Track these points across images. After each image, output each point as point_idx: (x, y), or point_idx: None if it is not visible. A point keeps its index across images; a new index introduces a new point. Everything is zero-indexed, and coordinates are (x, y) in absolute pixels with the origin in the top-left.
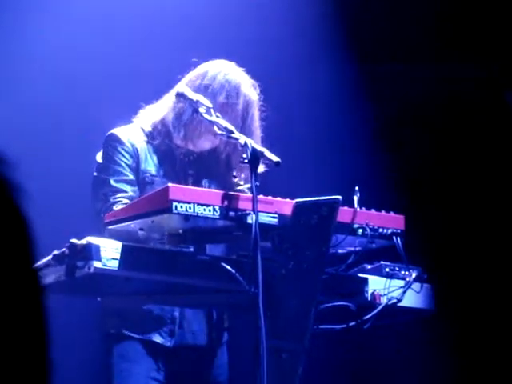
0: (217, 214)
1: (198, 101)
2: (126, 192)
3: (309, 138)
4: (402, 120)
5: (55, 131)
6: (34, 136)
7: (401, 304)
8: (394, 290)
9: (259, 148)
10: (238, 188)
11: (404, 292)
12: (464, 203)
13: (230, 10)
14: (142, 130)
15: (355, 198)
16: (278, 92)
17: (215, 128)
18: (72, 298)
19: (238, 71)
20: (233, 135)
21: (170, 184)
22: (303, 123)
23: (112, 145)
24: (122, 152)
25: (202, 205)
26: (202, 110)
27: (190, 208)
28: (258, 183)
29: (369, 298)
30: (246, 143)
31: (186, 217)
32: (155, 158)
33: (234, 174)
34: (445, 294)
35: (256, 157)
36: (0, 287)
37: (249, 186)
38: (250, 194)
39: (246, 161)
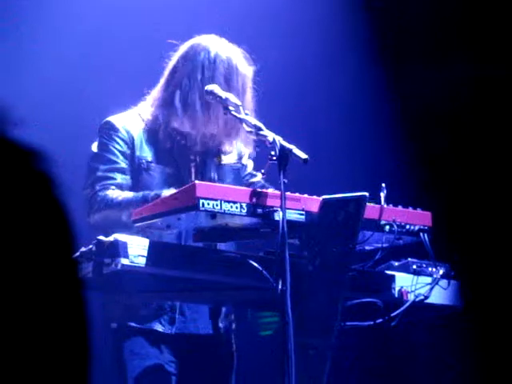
0: (244, 211)
1: (227, 98)
2: (114, 179)
3: (336, 135)
4: (431, 117)
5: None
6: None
7: (428, 301)
8: (422, 287)
9: (287, 145)
10: (251, 180)
11: (431, 289)
12: (491, 200)
13: (252, 5)
14: (139, 115)
15: (382, 195)
16: (304, 90)
17: (244, 125)
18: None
19: (228, 47)
20: (261, 132)
21: (196, 181)
22: (330, 121)
23: (107, 133)
24: (117, 139)
25: (229, 202)
26: (231, 107)
27: (217, 205)
28: (285, 180)
29: (396, 295)
30: (274, 140)
31: (213, 214)
32: (152, 144)
33: (263, 171)
34: (472, 291)
35: (284, 154)
36: (43, 279)
37: (258, 177)
38: (272, 190)
39: (275, 158)
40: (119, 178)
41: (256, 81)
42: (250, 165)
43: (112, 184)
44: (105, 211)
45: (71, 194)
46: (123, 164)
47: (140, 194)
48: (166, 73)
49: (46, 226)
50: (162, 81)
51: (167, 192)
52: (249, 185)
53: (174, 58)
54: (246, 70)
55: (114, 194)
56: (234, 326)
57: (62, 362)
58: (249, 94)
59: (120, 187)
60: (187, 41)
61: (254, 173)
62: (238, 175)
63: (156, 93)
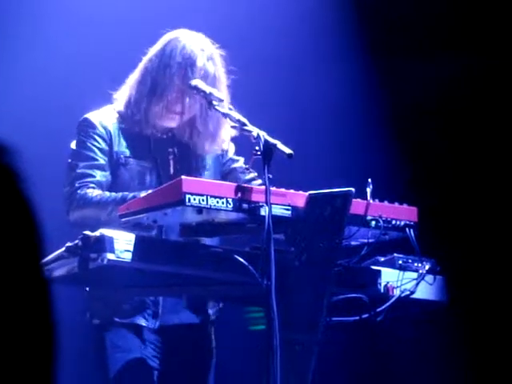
0: (230, 207)
1: (211, 93)
2: (93, 177)
3: (322, 129)
4: (416, 112)
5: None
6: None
7: (414, 296)
8: (407, 282)
9: (272, 140)
10: (234, 165)
11: (417, 284)
12: (478, 195)
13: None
14: (115, 110)
15: (368, 190)
16: (291, 84)
17: (228, 120)
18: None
19: (196, 41)
20: (246, 127)
21: (183, 177)
22: (316, 115)
23: (84, 130)
24: (95, 136)
25: (215, 197)
26: (215, 102)
27: (203, 200)
28: (270, 175)
29: (382, 290)
30: (258, 135)
31: (200, 209)
32: (129, 139)
33: (247, 166)
34: (458, 287)
35: (269, 149)
36: (5, 278)
37: (240, 162)
38: (262, 186)
39: (259, 153)
40: (98, 175)
41: (230, 70)
42: (230, 150)
43: (91, 182)
44: (83, 210)
45: (51, 190)
46: (102, 161)
47: (119, 194)
48: (139, 67)
49: (8, 221)
50: (135, 75)
51: (145, 194)
52: (230, 170)
53: (148, 53)
54: (217, 59)
55: (93, 192)
56: (214, 317)
57: (25, 362)
58: (223, 85)
59: (100, 185)
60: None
61: (236, 158)
62: (218, 162)
63: (129, 87)
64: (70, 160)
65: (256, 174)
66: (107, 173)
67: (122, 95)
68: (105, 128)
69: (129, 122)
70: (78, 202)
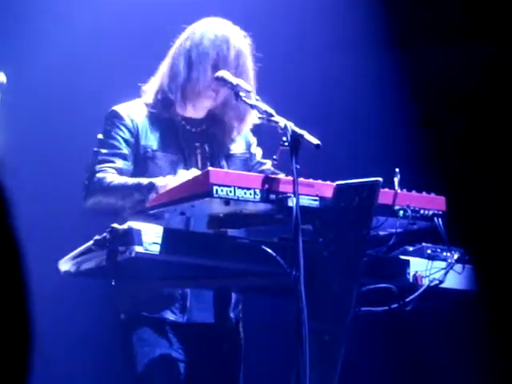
0: (257, 198)
1: (238, 84)
2: (113, 163)
3: (349, 120)
4: (445, 100)
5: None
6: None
7: (443, 285)
8: (436, 272)
9: (299, 131)
10: (261, 168)
11: (446, 273)
12: (505, 183)
13: None
14: (145, 104)
15: (396, 180)
16: (316, 74)
17: (255, 112)
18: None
19: (226, 25)
20: (273, 118)
21: (210, 168)
22: (343, 105)
23: (111, 120)
24: (121, 127)
25: (243, 188)
26: (242, 94)
27: (230, 192)
28: (298, 166)
29: (411, 280)
30: (286, 126)
31: (227, 200)
32: (157, 132)
33: (275, 157)
34: (487, 276)
35: (296, 139)
36: None
37: (267, 165)
38: (288, 177)
39: (287, 144)
40: (120, 162)
41: (258, 60)
42: (258, 153)
43: (111, 167)
44: (100, 194)
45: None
46: (125, 150)
47: (136, 180)
48: (171, 57)
49: None
50: (166, 62)
51: (161, 181)
52: (259, 173)
53: (178, 43)
54: (245, 48)
55: (111, 177)
56: (241, 315)
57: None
58: (243, 70)
59: (120, 171)
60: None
61: (263, 161)
62: (246, 165)
63: (156, 79)
64: (94, 148)
65: (284, 175)
66: (129, 162)
67: (153, 85)
68: (132, 120)
69: (159, 109)
70: (94, 185)
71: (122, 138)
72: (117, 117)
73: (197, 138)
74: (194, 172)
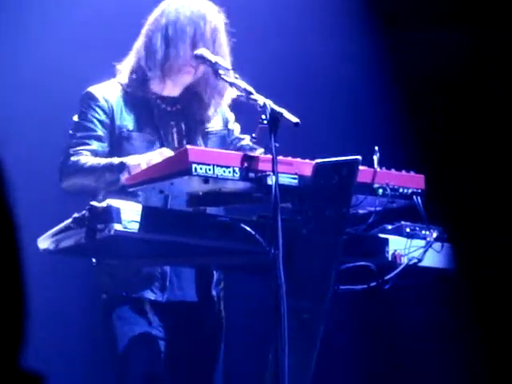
0: (236, 176)
1: (216, 62)
2: (89, 145)
3: (328, 98)
4: (425, 80)
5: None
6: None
7: (421, 264)
8: (415, 250)
9: (278, 109)
10: (240, 144)
11: (425, 252)
12: (483, 164)
13: None
14: (120, 84)
15: (375, 158)
16: (297, 52)
17: (234, 89)
18: (68, 260)
19: (200, 0)
20: (252, 96)
21: (188, 146)
22: (323, 84)
23: (86, 102)
24: (96, 108)
25: (222, 166)
26: (221, 71)
27: (209, 170)
28: (277, 144)
29: (389, 258)
30: (264, 104)
31: (206, 179)
32: (132, 112)
33: (254, 135)
34: (465, 254)
35: (275, 118)
36: None
37: (245, 140)
38: (262, 151)
39: (266, 122)
40: (95, 144)
41: (233, 35)
42: (236, 129)
43: (86, 150)
44: (74, 176)
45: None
46: (100, 132)
47: (108, 160)
48: (140, 37)
49: None
50: (136, 45)
51: (132, 160)
52: (238, 149)
53: (152, 20)
54: (221, 24)
55: (85, 159)
56: (222, 293)
57: None
58: (220, 46)
59: (95, 153)
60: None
61: (242, 136)
62: (224, 141)
63: (131, 58)
64: (69, 131)
65: (263, 149)
66: (105, 144)
67: (127, 64)
68: (107, 101)
69: (134, 88)
70: (68, 168)
71: (98, 119)
72: (92, 98)
73: (172, 117)
74: (165, 151)
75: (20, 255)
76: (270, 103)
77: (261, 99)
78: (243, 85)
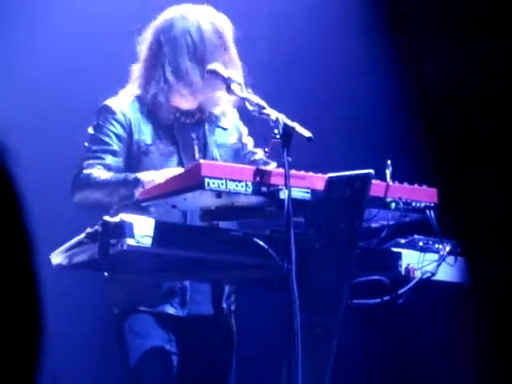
0: (249, 190)
1: (229, 77)
2: (102, 159)
3: (341, 112)
4: (439, 93)
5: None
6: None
7: (435, 278)
8: (428, 264)
9: (291, 123)
10: (253, 158)
11: (438, 265)
12: (498, 176)
13: None
14: (136, 96)
15: (388, 172)
16: (310, 67)
17: (247, 104)
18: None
19: (211, 13)
20: (264, 111)
21: (201, 160)
22: (336, 97)
23: (103, 115)
24: (113, 122)
25: (235, 181)
26: (233, 86)
27: (222, 184)
28: (289, 158)
29: (403, 272)
30: (277, 119)
31: (219, 193)
32: (150, 125)
33: (267, 149)
34: (479, 268)
35: (288, 132)
36: None
37: (259, 154)
38: (275, 166)
39: (278, 136)
40: (109, 159)
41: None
42: (249, 143)
43: (99, 164)
44: (86, 190)
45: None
46: (116, 146)
47: (122, 175)
48: (147, 48)
49: None
50: (146, 57)
51: (147, 176)
52: (251, 163)
53: (151, 32)
54: (231, 37)
55: (98, 173)
56: (233, 307)
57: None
58: (235, 58)
59: (108, 168)
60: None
61: (255, 150)
62: (238, 155)
63: (143, 71)
64: (84, 143)
65: (276, 164)
66: (119, 159)
67: (139, 78)
68: (124, 115)
69: (150, 107)
70: (80, 181)
71: (114, 133)
72: (109, 111)
73: (192, 129)
74: (179, 169)
75: (36, 271)
76: (282, 118)
77: (273, 114)
78: (256, 99)
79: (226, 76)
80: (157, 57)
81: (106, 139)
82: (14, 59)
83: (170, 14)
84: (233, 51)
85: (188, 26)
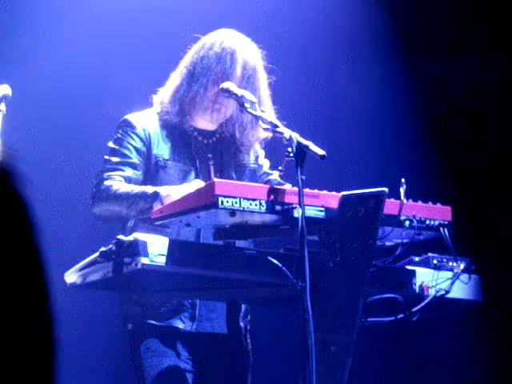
0: (263, 209)
1: (242, 96)
2: (122, 171)
3: (355, 130)
4: (451, 111)
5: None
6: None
7: (449, 295)
8: (442, 282)
9: (304, 142)
10: (267, 178)
11: (452, 283)
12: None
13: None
14: (157, 113)
15: (401, 190)
16: (323, 85)
17: (260, 122)
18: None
19: (237, 37)
20: (278, 129)
21: (215, 179)
22: (348, 115)
23: (123, 129)
24: (132, 136)
25: (248, 199)
26: (247, 105)
27: (236, 203)
28: (303, 177)
29: (417, 290)
30: (291, 137)
31: (233, 212)
32: (169, 141)
33: (280, 168)
34: (493, 286)
35: (301, 150)
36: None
37: (274, 175)
38: (289, 186)
39: (292, 155)
40: (129, 171)
41: (271, 71)
42: (265, 164)
43: (119, 176)
44: (106, 202)
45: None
46: (135, 159)
47: (142, 188)
48: (180, 69)
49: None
50: (176, 77)
51: (165, 190)
52: (265, 183)
53: (188, 54)
54: (254, 61)
55: (118, 185)
56: (249, 326)
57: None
58: (264, 89)
59: (128, 180)
60: (202, 36)
61: (270, 171)
62: (255, 176)
63: (171, 89)
64: (104, 156)
65: (290, 185)
66: (139, 172)
67: (164, 95)
68: (144, 130)
69: (170, 124)
70: (101, 193)
71: (134, 146)
72: (129, 125)
73: (209, 150)
74: (198, 183)
75: (50, 290)
76: (296, 136)
77: (287, 132)
78: (269, 118)
79: (239, 94)
80: (183, 78)
81: (126, 152)
82: (26, 72)
83: (203, 39)
84: (257, 80)
85: (207, 51)
